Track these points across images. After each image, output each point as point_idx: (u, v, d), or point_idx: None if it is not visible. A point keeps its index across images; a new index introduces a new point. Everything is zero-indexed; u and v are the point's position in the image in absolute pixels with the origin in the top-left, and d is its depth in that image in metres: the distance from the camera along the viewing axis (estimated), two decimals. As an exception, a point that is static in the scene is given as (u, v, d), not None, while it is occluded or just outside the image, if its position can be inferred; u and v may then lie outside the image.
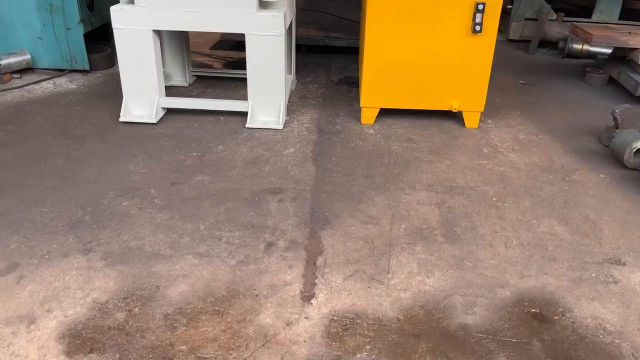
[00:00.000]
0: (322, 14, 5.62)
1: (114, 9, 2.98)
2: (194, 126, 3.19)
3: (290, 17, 3.41)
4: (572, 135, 3.25)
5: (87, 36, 3.88)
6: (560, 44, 4.92)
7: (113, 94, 3.56)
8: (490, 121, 3.42)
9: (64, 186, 2.49)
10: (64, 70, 3.98)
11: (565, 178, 2.73)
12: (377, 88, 3.22)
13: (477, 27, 2.97)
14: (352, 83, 4.05)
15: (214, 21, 2.99)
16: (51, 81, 3.85)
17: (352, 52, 4.61)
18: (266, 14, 2.97)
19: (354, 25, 5.03)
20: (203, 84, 3.89)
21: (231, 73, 3.95)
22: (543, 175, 2.74)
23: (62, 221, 2.22)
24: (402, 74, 3.16)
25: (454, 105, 3.22)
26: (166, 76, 3.84)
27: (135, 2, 2.97)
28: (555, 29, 5.05)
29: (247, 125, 3.17)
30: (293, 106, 3.54)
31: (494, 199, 2.51)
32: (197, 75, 3.95)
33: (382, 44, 3.08)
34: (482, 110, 3.26)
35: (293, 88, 3.83)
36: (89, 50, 3.91)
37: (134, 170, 2.65)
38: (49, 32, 3.83)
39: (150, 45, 3.06)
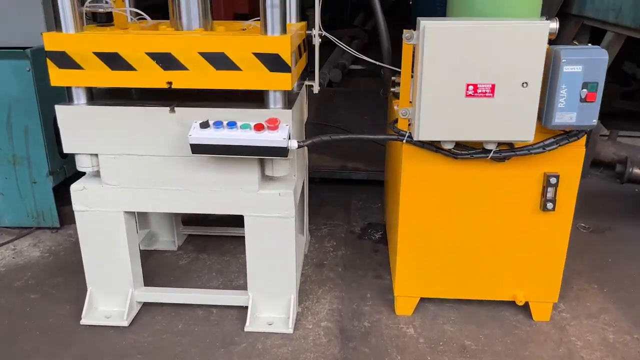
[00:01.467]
0: (337, 131, 5.00)
1: (74, 188, 2.31)
2: (177, 328, 2.43)
3: (302, 179, 2.73)
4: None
5: (61, 185, 3.23)
6: (619, 168, 4.19)
7: (82, 264, 2.85)
8: (562, 306, 2.62)
9: None
10: (31, 227, 3.31)
11: None
12: (415, 273, 2.47)
13: (549, 205, 2.25)
14: (378, 234, 3.31)
15: (204, 201, 2.30)
16: (11, 245, 3.16)
17: (373, 184, 3.93)
18: (271, 191, 2.28)
19: (375, 150, 4.37)
20: (195, 245, 3.17)
21: (229, 232, 3.23)
22: None
23: None
24: (449, 256, 2.42)
25: (518, 297, 2.44)
26: (150, 237, 3.14)
27: (102, 178, 2.30)
28: (610, 148, 4.34)
29: (246, 328, 2.40)
30: (307, 283, 2.79)
31: None
32: (188, 234, 3.25)
33: (421, 220, 2.36)
34: (556, 301, 2.48)
35: (306, 251, 3.09)
36: (63, 201, 3.24)
37: None
38: (12, 187, 3.18)
39: (122, 229, 2.37)
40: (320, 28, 2.58)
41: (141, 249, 3.07)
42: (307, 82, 2.69)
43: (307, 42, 2.65)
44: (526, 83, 1.95)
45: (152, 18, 2.57)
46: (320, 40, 2.61)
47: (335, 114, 5.78)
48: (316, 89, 2.65)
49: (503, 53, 1.93)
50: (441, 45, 1.94)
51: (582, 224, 3.51)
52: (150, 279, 2.76)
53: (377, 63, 2.71)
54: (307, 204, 3.08)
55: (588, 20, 3.98)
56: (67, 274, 2.85)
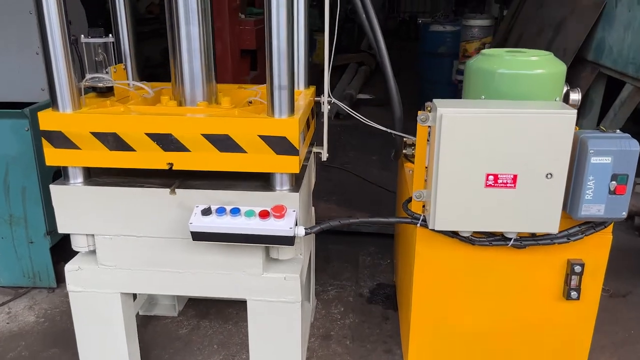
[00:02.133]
0: (344, 176, 4.88)
1: (69, 268, 2.18)
2: (175, 415, 2.30)
3: (309, 248, 2.60)
4: None
5: (58, 242, 3.12)
6: (637, 221, 4.04)
7: (79, 334, 2.72)
8: (585, 391, 2.46)
9: None
10: (27, 287, 3.19)
11: None
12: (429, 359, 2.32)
13: (573, 294, 2.10)
14: (388, 299, 3.16)
15: (205, 284, 2.17)
16: (6, 308, 3.04)
17: (383, 236, 3.79)
18: (276, 275, 2.15)
19: (384, 199, 4.25)
20: (197, 310, 3.04)
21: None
22: None
23: None
24: (465, 344, 2.27)
25: (539, 386, 2.29)
26: (150, 301, 3.01)
27: (98, 258, 2.18)
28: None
29: (248, 417, 2.26)
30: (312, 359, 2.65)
31: None
32: (189, 298, 3.12)
33: (435, 305, 2.22)
34: (580, 391, 2.32)
35: (312, 319, 2.95)
36: (60, 258, 3.12)
37: None
38: (8, 247, 3.07)
39: (118, 310, 2.24)
40: (329, 95, 2.47)
41: (140, 314, 2.95)
42: (315, 149, 2.57)
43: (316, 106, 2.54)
44: (551, 174, 1.82)
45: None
46: (329, 107, 2.50)
47: (343, 152, 5.67)
48: (324, 156, 2.54)
49: (526, 142, 1.80)
50: (459, 133, 1.82)
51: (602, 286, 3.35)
52: (148, 352, 2.63)
53: (389, 130, 2.60)
54: (314, 264, 2.94)
55: (605, 69, 3.85)
56: (62, 345, 2.72)
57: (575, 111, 1.80)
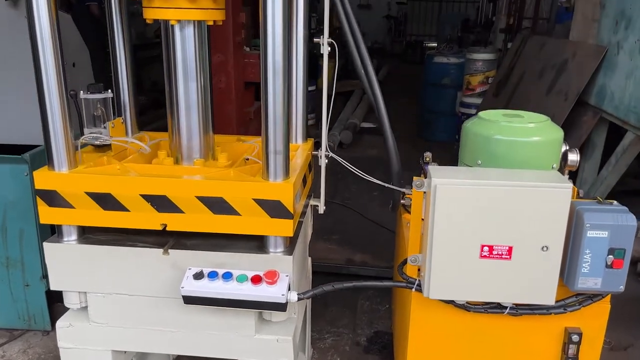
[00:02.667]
0: (345, 213, 4.86)
1: (60, 325, 2.17)
2: None
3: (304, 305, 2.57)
4: None
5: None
6: (640, 267, 3.99)
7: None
8: None
9: None
10: (22, 330, 3.17)
11: None
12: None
13: (571, 362, 2.06)
14: (385, 349, 3.12)
15: (197, 343, 2.14)
16: (0, 351, 3.02)
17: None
18: (269, 336, 2.12)
19: (383, 240, 4.22)
20: None
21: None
22: None
23: None
24: (460, 406, 2.22)
25: None
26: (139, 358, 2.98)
27: (90, 316, 2.16)
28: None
29: None
30: (306, 414, 2.61)
31: None
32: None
33: (431, 368, 2.18)
34: None
35: (307, 371, 2.91)
36: (55, 299, 3.10)
37: None
38: (4, 289, 3.06)
39: (109, 367, 2.22)
40: (327, 149, 2.47)
41: (134, 362, 2.92)
42: (312, 202, 2.56)
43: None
44: (547, 247, 1.80)
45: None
46: (326, 161, 2.50)
47: (344, 186, 5.66)
48: (321, 209, 2.53)
49: (521, 214, 1.78)
50: (454, 203, 1.80)
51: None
52: (140, 404, 2.59)
53: (387, 185, 2.60)
54: (310, 312, 2.91)
55: (607, 115, 3.84)
56: (54, 394, 2.70)
57: (571, 185, 1.78)
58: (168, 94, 2.20)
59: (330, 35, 2.21)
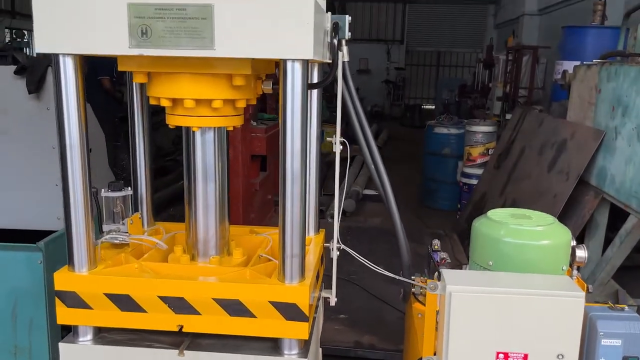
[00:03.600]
0: (350, 289, 4.86)
1: None
2: None
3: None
4: None
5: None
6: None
7: None
8: None
9: None
10: (24, 418, 3.11)
11: None
12: None
13: None
14: None
15: None
16: None
17: (391, 361, 3.72)
18: None
19: (393, 319, 4.21)
20: None
21: None
22: None
23: None
24: None
25: None
26: None
27: (101, 417, 2.14)
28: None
29: None
30: None
31: None
32: None
33: None
34: None
35: None
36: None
37: None
38: (10, 377, 3.03)
39: None
40: (338, 241, 2.53)
41: None
42: (324, 294, 2.58)
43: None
44: (562, 355, 1.81)
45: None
46: (338, 253, 2.55)
47: (349, 259, 5.66)
48: (333, 301, 2.55)
49: (535, 322, 1.81)
50: (468, 310, 1.84)
51: None
52: None
53: (398, 277, 2.63)
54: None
55: (608, 197, 3.92)
56: None
57: (584, 293, 1.82)
58: (187, 192, 2.28)
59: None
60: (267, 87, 2.17)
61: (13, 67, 2.96)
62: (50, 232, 3.02)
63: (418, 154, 10.07)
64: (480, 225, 2.20)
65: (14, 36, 16.21)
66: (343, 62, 2.19)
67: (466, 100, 16.81)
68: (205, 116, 2.09)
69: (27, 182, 3.12)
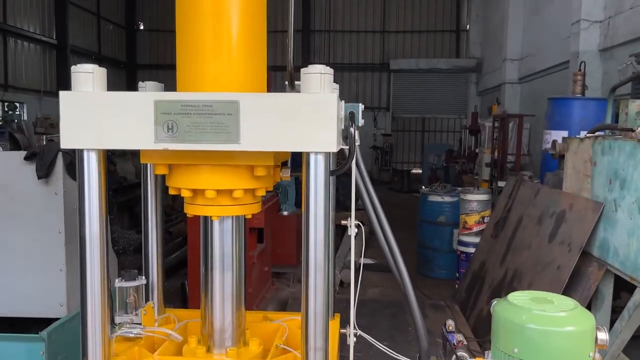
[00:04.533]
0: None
1: None
2: None
3: None
4: None
5: None
6: None
7: None
8: None
9: None
10: None
11: None
12: None
13: None
14: None
15: None
16: None
17: None
18: None
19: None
20: None
21: None
22: None
23: None
24: None
25: None
26: None
27: None
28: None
29: None
30: None
31: None
32: None
33: None
34: None
35: None
36: None
37: None
38: None
39: None
40: (355, 327, 2.48)
41: None
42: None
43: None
44: None
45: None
46: (355, 339, 2.50)
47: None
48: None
49: (570, 416, 1.76)
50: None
51: None
52: None
53: (416, 364, 2.56)
54: None
55: (613, 269, 3.94)
56: None
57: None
58: (203, 280, 2.24)
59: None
60: (286, 175, 2.20)
61: (23, 153, 2.97)
62: (52, 320, 2.93)
63: (410, 219, 10.09)
64: (502, 310, 2.17)
65: (6, 109, 16.36)
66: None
67: (454, 165, 17.15)
68: (225, 205, 2.09)
69: (31, 266, 3.06)
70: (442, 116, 24.93)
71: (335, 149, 1.84)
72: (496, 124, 10.46)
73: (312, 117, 1.82)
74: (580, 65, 8.17)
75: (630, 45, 8.82)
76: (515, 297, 2.24)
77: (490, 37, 20.31)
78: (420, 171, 21.81)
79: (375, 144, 23.49)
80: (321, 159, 1.85)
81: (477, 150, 14.25)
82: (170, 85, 2.33)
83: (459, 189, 8.00)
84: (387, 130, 24.35)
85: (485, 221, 6.90)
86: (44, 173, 2.86)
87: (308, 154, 1.86)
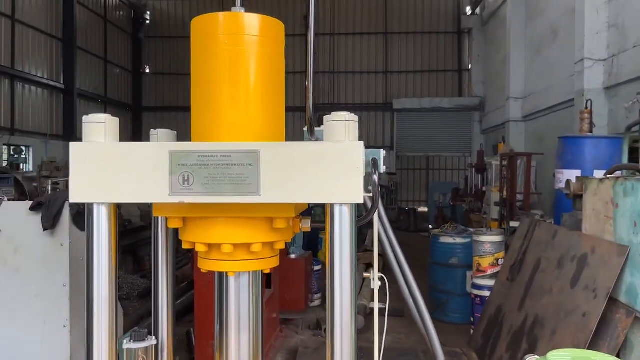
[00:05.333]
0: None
1: None
2: None
3: None
4: None
5: None
6: None
7: None
8: None
9: None
10: None
11: None
12: None
13: None
14: None
15: None
16: None
17: None
18: None
19: None
20: None
21: None
22: None
23: None
24: None
25: None
26: None
27: None
28: None
29: None
30: None
31: None
32: None
33: None
34: None
35: None
36: None
37: None
38: None
39: None
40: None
41: None
42: None
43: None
44: None
45: None
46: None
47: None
48: None
49: None
50: None
51: None
52: None
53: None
54: None
55: (643, 316, 3.74)
56: None
57: None
58: (218, 340, 2.08)
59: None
60: (306, 226, 2.08)
61: (28, 203, 2.87)
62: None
63: (420, 259, 9.88)
64: (542, 372, 2.01)
65: (12, 152, 16.42)
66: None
67: (460, 204, 16.97)
68: (243, 260, 1.96)
69: (34, 321, 2.90)
70: (446, 154, 24.93)
71: (361, 200, 1.73)
72: (504, 162, 10.38)
73: (337, 167, 1.71)
74: (586, 104, 8.13)
75: (635, 83, 8.83)
76: (555, 355, 2.07)
77: (493, 76, 20.53)
78: (427, 209, 21.63)
79: (380, 184, 23.40)
80: (347, 210, 1.74)
81: (484, 189, 14.12)
82: (174, 127, 2.26)
83: (471, 229, 7.82)
84: (392, 169, 24.32)
85: (499, 263, 6.71)
86: (50, 224, 2.75)
87: (333, 205, 1.74)
